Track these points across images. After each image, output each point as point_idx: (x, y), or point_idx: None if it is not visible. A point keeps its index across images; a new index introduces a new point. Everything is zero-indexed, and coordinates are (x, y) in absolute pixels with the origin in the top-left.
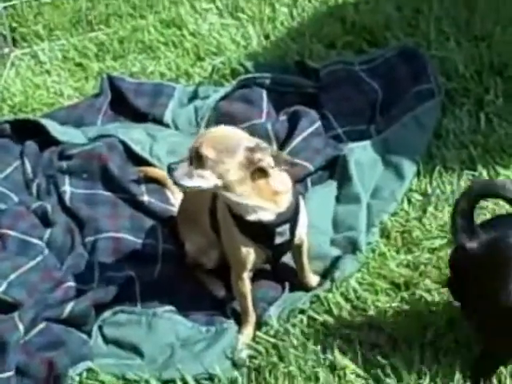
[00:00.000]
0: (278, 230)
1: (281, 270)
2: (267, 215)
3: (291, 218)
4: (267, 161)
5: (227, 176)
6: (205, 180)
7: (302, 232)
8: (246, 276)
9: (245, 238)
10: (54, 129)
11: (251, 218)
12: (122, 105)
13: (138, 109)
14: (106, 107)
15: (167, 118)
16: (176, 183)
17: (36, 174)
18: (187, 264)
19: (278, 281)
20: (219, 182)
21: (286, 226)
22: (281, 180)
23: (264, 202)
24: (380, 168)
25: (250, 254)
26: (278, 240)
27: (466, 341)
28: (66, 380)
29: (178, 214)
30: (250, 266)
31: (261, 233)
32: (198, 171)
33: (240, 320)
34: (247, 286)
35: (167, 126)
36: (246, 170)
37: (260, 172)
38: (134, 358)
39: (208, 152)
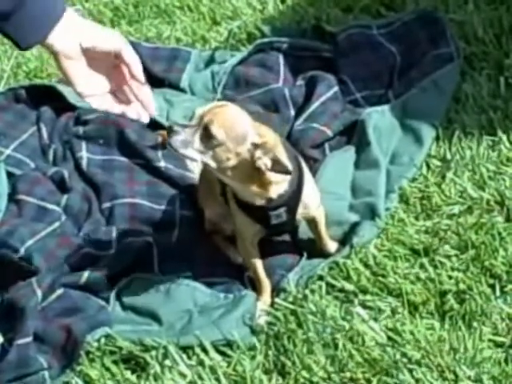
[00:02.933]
0: (273, 213)
1: (298, 238)
2: (258, 200)
3: (287, 202)
4: (264, 161)
5: (224, 161)
6: (201, 155)
7: (310, 211)
8: (250, 247)
9: (243, 214)
10: (70, 94)
11: (243, 198)
12: None
13: (154, 74)
14: None
15: (184, 83)
16: (170, 146)
17: (52, 139)
18: (206, 230)
19: (295, 249)
20: (214, 164)
21: (282, 210)
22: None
23: (254, 189)
24: (398, 133)
25: (248, 229)
26: (274, 221)
27: (485, 307)
28: (84, 346)
29: (199, 181)
30: (249, 239)
31: (255, 213)
32: (200, 145)
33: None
34: (254, 255)
35: (184, 91)
36: (242, 161)
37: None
38: (152, 325)
39: (218, 133)
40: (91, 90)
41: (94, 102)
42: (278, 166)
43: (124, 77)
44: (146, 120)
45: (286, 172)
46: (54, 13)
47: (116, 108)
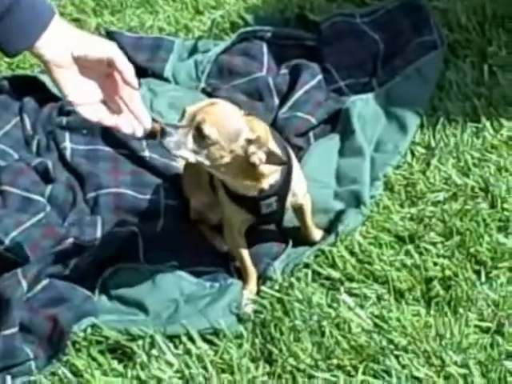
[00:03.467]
0: (264, 202)
1: (284, 227)
2: (250, 192)
3: (277, 192)
4: (259, 156)
5: (218, 159)
6: (195, 155)
7: (298, 198)
8: (237, 235)
9: (232, 204)
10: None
11: (235, 190)
12: None
13: (137, 64)
14: None
15: (167, 72)
16: (164, 147)
17: (36, 130)
18: (191, 219)
19: (281, 237)
20: (208, 162)
21: (273, 199)
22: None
23: (247, 182)
24: (383, 121)
25: (236, 218)
26: (265, 211)
27: (471, 293)
28: (70, 336)
29: (184, 170)
30: (237, 226)
31: (246, 203)
32: (193, 145)
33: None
34: (240, 244)
35: (167, 80)
36: (236, 157)
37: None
38: (138, 314)
39: (211, 132)
40: (83, 99)
41: (86, 112)
42: (272, 158)
43: (116, 86)
44: (139, 134)
45: (281, 163)
46: (42, 19)
47: (108, 120)
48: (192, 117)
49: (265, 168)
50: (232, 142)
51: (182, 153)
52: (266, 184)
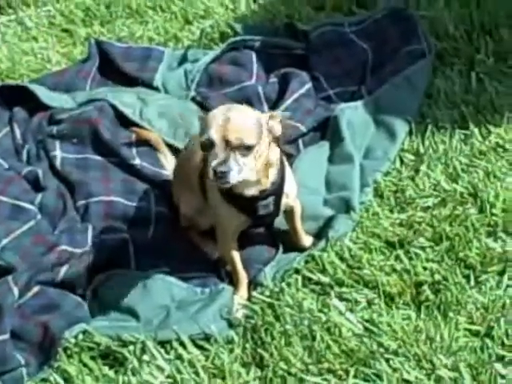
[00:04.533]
0: (262, 203)
1: (274, 231)
2: (251, 191)
3: (275, 191)
4: (278, 128)
5: (261, 155)
6: (249, 168)
7: (290, 200)
8: (230, 239)
9: (228, 206)
10: (43, 94)
11: (236, 191)
12: (111, 70)
13: (127, 73)
14: (95, 72)
15: (157, 81)
16: (229, 184)
17: (26, 139)
18: (181, 226)
19: (271, 243)
20: (255, 162)
21: (270, 199)
22: (272, 150)
23: (256, 177)
24: (372, 128)
25: (232, 221)
26: (262, 212)
27: (460, 297)
28: (62, 342)
29: (173, 176)
30: (232, 231)
31: (244, 204)
32: (243, 160)
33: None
34: (233, 248)
35: (157, 89)
36: (267, 143)
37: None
38: (130, 320)
39: (252, 140)
40: None
41: None
42: (285, 124)
43: None
44: None
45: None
46: None
47: None
48: (221, 139)
49: (272, 155)
50: (261, 132)
51: (243, 175)
52: (267, 181)
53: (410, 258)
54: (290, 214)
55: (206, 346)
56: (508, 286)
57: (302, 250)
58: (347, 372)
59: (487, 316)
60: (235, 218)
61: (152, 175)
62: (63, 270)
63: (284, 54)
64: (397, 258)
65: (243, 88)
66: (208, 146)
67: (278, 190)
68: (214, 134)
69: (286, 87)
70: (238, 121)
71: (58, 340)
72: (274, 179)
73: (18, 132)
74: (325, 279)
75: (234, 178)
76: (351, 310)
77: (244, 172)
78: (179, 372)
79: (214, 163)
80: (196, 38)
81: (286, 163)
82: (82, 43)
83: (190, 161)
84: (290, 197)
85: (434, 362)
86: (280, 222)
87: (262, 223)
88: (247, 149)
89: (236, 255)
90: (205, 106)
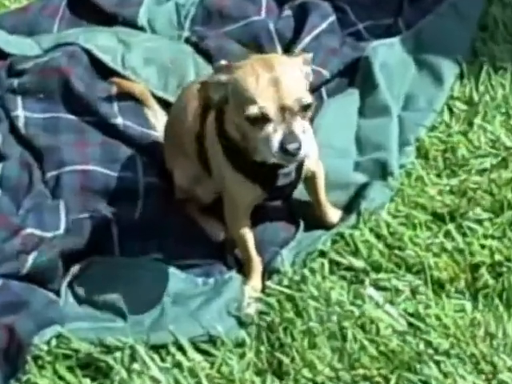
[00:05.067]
0: (283, 170)
1: (293, 203)
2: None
3: None
4: (310, 74)
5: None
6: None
7: (311, 163)
8: (243, 217)
9: (239, 177)
10: (0, 39)
11: (252, 157)
12: (84, 5)
13: (104, 9)
14: (64, 9)
15: (141, 19)
16: (300, 157)
17: None
18: (176, 200)
19: (290, 218)
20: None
21: (293, 166)
22: None
23: None
24: (412, 71)
25: (245, 195)
26: (281, 182)
27: None
28: (31, 349)
29: (164, 136)
30: (245, 207)
31: (261, 173)
32: (305, 124)
33: (244, 269)
34: (246, 227)
35: (142, 29)
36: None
37: None
38: (115, 320)
39: (309, 97)
40: None
41: None
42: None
43: None
44: None
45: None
46: None
47: None
48: (279, 108)
49: None
50: (307, 82)
51: (309, 143)
52: None
53: (464, 234)
54: (311, 181)
55: (211, 350)
56: None
57: (328, 226)
58: (387, 379)
59: None
60: (249, 190)
61: (138, 137)
62: (30, 258)
63: None
64: (447, 234)
65: (250, 24)
66: (259, 119)
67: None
68: (269, 104)
69: (303, 22)
70: (290, 78)
71: (27, 346)
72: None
73: None
74: (358, 263)
75: (306, 150)
76: (391, 302)
77: (310, 138)
78: (178, 383)
79: (278, 140)
80: None
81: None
82: None
83: (182, 119)
84: (311, 159)
85: (495, 364)
86: (300, 192)
87: (281, 195)
88: (306, 109)
89: (250, 236)
90: (202, 49)
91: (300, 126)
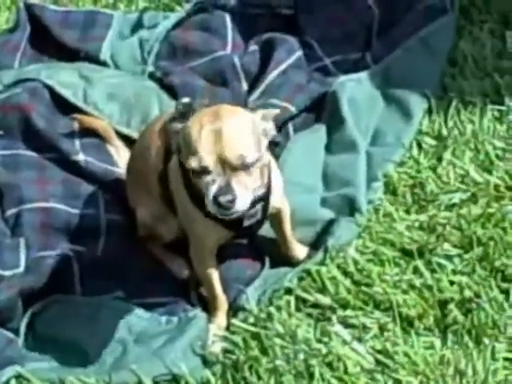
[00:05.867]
0: (249, 212)
1: (259, 241)
2: None
3: (264, 195)
4: (272, 129)
5: (264, 164)
6: (256, 186)
7: (276, 200)
8: (208, 257)
9: (205, 218)
10: None
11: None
12: (46, 40)
13: (66, 44)
14: (25, 44)
15: (104, 54)
16: (237, 213)
17: None
18: (139, 237)
19: (255, 255)
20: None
21: (259, 206)
22: None
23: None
24: (381, 106)
25: (210, 236)
26: (247, 223)
27: (498, 318)
28: None
29: (126, 173)
30: (210, 247)
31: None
32: (248, 180)
33: (208, 307)
34: (212, 266)
35: (105, 64)
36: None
37: None
38: (76, 360)
39: (255, 154)
40: None
41: None
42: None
43: None
44: None
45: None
46: None
47: None
48: (216, 160)
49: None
50: (260, 140)
51: (249, 197)
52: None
53: (433, 271)
54: (276, 217)
55: None
56: None
57: (294, 263)
58: None
59: None
60: (216, 231)
61: (100, 174)
62: None
63: (267, 14)
64: (416, 270)
65: (215, 59)
66: (200, 172)
67: (266, 193)
68: (207, 158)
69: (269, 57)
70: (234, 132)
71: None
72: (266, 181)
73: None
74: (324, 300)
75: (241, 205)
76: (359, 339)
77: (250, 194)
78: None
79: (213, 192)
80: None
81: (270, 158)
82: (9, 8)
83: (145, 157)
84: (277, 197)
85: None
86: (265, 229)
87: (247, 234)
88: (251, 165)
89: (215, 275)
90: (166, 84)
91: (240, 180)
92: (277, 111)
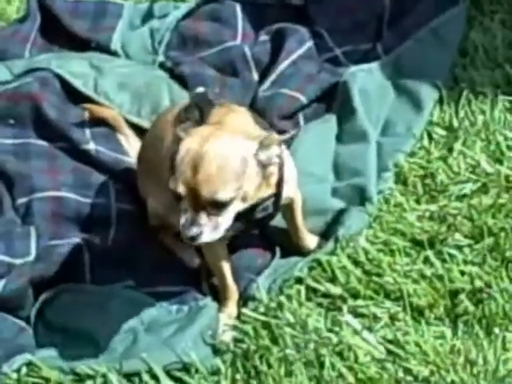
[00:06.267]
0: (260, 207)
1: (270, 231)
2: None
3: (276, 191)
4: (274, 153)
5: (249, 194)
6: (227, 225)
7: (289, 191)
8: (220, 245)
9: None
10: None
11: None
12: (56, 30)
13: (76, 34)
14: (36, 34)
15: (115, 44)
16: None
17: None
18: (150, 227)
19: (266, 245)
20: (241, 206)
21: (270, 201)
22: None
23: (263, 192)
24: (391, 96)
25: None
26: (259, 215)
27: (508, 307)
28: (0, 378)
29: (137, 163)
30: (222, 236)
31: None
32: (221, 219)
33: (219, 296)
34: (223, 255)
35: (115, 54)
36: (260, 173)
37: None
38: (86, 348)
39: (229, 194)
40: None
41: None
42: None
43: None
44: None
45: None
46: None
47: None
48: (190, 193)
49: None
50: (244, 173)
51: (219, 233)
52: (269, 190)
53: (443, 261)
54: (288, 208)
55: (185, 378)
56: None
57: (305, 253)
58: None
59: None
60: None
61: (111, 163)
62: (0, 286)
63: (277, 4)
64: (426, 260)
65: (225, 50)
66: (175, 196)
67: (278, 189)
68: (182, 186)
69: (280, 47)
70: (214, 165)
71: None
72: (275, 182)
73: None
74: (335, 290)
75: (207, 238)
76: (369, 329)
77: (221, 230)
78: None
79: (182, 221)
80: None
81: (283, 148)
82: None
83: (157, 147)
84: (291, 187)
85: None
86: (276, 219)
87: (258, 226)
88: (223, 205)
89: (226, 264)
90: (177, 74)
91: (211, 216)
92: (283, 137)
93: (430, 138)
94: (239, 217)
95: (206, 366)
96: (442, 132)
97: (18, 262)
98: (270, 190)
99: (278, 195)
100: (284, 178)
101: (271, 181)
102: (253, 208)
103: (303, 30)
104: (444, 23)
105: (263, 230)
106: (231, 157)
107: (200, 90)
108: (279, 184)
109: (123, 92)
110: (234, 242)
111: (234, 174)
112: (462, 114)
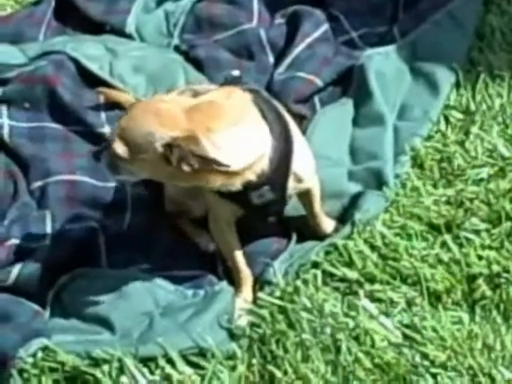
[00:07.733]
0: (255, 193)
1: (286, 216)
2: (233, 188)
3: (270, 180)
4: (190, 162)
5: (157, 173)
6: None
7: (306, 178)
8: (225, 226)
9: (216, 195)
10: None
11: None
12: (71, 13)
13: (91, 17)
14: (50, 17)
15: (130, 27)
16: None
17: None
18: (167, 211)
19: (282, 230)
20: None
21: (264, 189)
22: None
23: (218, 182)
24: (408, 80)
25: (223, 208)
26: (257, 201)
27: None
28: (16, 362)
29: None
30: (225, 219)
31: (233, 195)
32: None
33: (235, 280)
34: (231, 238)
35: (130, 37)
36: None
37: None
38: (102, 333)
39: (119, 149)
40: None
41: None
42: (210, 162)
43: None
44: None
45: (223, 165)
46: None
47: None
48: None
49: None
50: (142, 152)
51: (120, 176)
52: (249, 175)
53: (461, 245)
54: (305, 197)
55: (202, 362)
56: None
57: (321, 237)
58: None
59: None
60: (227, 207)
61: None
62: (15, 270)
63: None
64: (443, 245)
65: (241, 32)
66: None
67: (275, 177)
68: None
69: (296, 30)
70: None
71: (11, 360)
72: (259, 171)
73: None
74: (351, 274)
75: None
76: (386, 314)
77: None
78: None
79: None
80: None
81: (297, 136)
82: None
83: None
84: (304, 179)
85: (493, 377)
86: (293, 206)
87: (265, 213)
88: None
89: (236, 248)
90: (192, 57)
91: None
92: (218, 159)
93: (447, 121)
94: (232, 200)
95: (222, 351)
96: (459, 116)
97: (33, 246)
98: (253, 175)
99: (274, 183)
100: (289, 171)
101: (254, 169)
102: (242, 192)
103: (319, 12)
104: (461, 6)
105: (280, 217)
106: (144, 126)
107: (236, 73)
108: (279, 170)
109: (138, 75)
110: (252, 229)
111: (138, 139)
112: (478, 97)
